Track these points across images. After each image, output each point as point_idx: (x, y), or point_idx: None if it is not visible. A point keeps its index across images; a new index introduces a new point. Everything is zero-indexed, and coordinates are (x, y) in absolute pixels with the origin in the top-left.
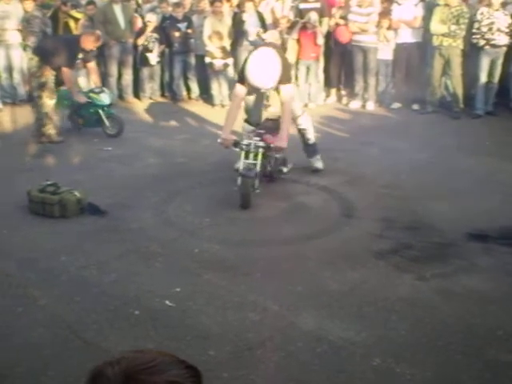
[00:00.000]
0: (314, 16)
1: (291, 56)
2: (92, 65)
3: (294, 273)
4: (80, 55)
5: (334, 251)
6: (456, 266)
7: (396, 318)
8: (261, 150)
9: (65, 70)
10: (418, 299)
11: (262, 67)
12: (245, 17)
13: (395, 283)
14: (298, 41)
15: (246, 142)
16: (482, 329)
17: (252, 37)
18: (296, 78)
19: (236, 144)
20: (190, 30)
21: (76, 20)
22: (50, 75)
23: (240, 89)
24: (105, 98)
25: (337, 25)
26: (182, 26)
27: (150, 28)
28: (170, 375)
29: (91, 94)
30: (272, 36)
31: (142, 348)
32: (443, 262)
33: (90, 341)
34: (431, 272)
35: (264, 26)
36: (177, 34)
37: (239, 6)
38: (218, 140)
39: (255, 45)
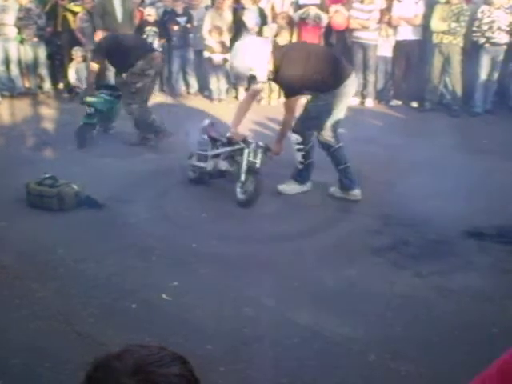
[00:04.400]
0: (313, 11)
1: None
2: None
3: (290, 268)
4: None
5: (331, 247)
6: (452, 263)
7: (392, 314)
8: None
9: None
10: (414, 296)
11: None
12: (245, 12)
13: (392, 280)
14: (299, 35)
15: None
16: (477, 326)
17: (252, 32)
18: None
19: (244, 141)
20: (189, 25)
21: (74, 14)
22: None
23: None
24: None
25: (336, 12)
26: (182, 20)
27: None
28: (176, 369)
29: None
30: (269, 31)
31: (137, 341)
32: (440, 259)
33: (87, 334)
34: (428, 269)
35: (265, 21)
36: (175, 27)
37: (239, 0)
38: (228, 134)
39: None
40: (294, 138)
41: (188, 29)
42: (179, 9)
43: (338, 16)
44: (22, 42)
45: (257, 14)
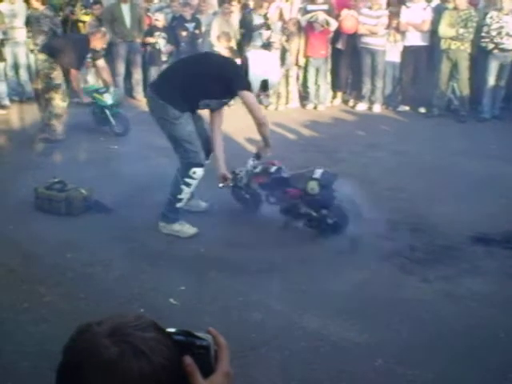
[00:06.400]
0: (321, 16)
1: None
2: (101, 63)
3: (297, 273)
4: (89, 55)
5: (338, 252)
6: (459, 268)
7: (399, 319)
8: None
9: (72, 70)
10: (421, 301)
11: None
12: (255, 18)
13: (398, 285)
14: (307, 40)
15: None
16: (484, 331)
17: (262, 39)
18: (305, 78)
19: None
20: (197, 31)
21: (85, 23)
22: (61, 76)
23: None
24: (107, 99)
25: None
26: (190, 26)
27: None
28: (153, 334)
29: (95, 95)
30: (276, 37)
31: None
32: (447, 264)
33: None
34: (435, 274)
35: (268, 27)
36: (184, 33)
37: (245, 6)
38: (220, 185)
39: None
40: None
41: (196, 35)
42: (188, 15)
43: (349, 20)
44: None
45: (263, 19)
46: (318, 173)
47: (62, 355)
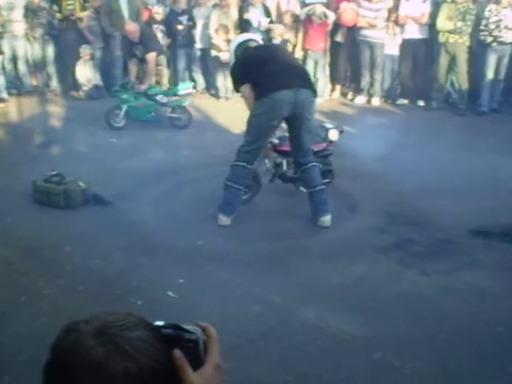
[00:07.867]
0: (319, 9)
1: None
2: (150, 56)
3: (296, 266)
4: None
5: (336, 245)
6: (458, 262)
7: (397, 312)
8: None
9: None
10: (419, 294)
11: None
12: (250, 9)
13: (397, 278)
14: (306, 32)
15: None
16: (482, 325)
17: (262, 29)
18: None
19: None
20: (190, 23)
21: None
22: None
23: None
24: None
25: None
26: (184, 18)
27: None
28: (140, 333)
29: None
30: (277, 30)
31: None
32: (445, 257)
33: None
34: (433, 268)
35: (271, 19)
36: (180, 27)
37: None
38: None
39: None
40: None
41: (191, 26)
42: (182, 6)
43: (348, 12)
44: (29, 39)
45: (262, 11)
46: (329, 123)
47: (49, 352)
